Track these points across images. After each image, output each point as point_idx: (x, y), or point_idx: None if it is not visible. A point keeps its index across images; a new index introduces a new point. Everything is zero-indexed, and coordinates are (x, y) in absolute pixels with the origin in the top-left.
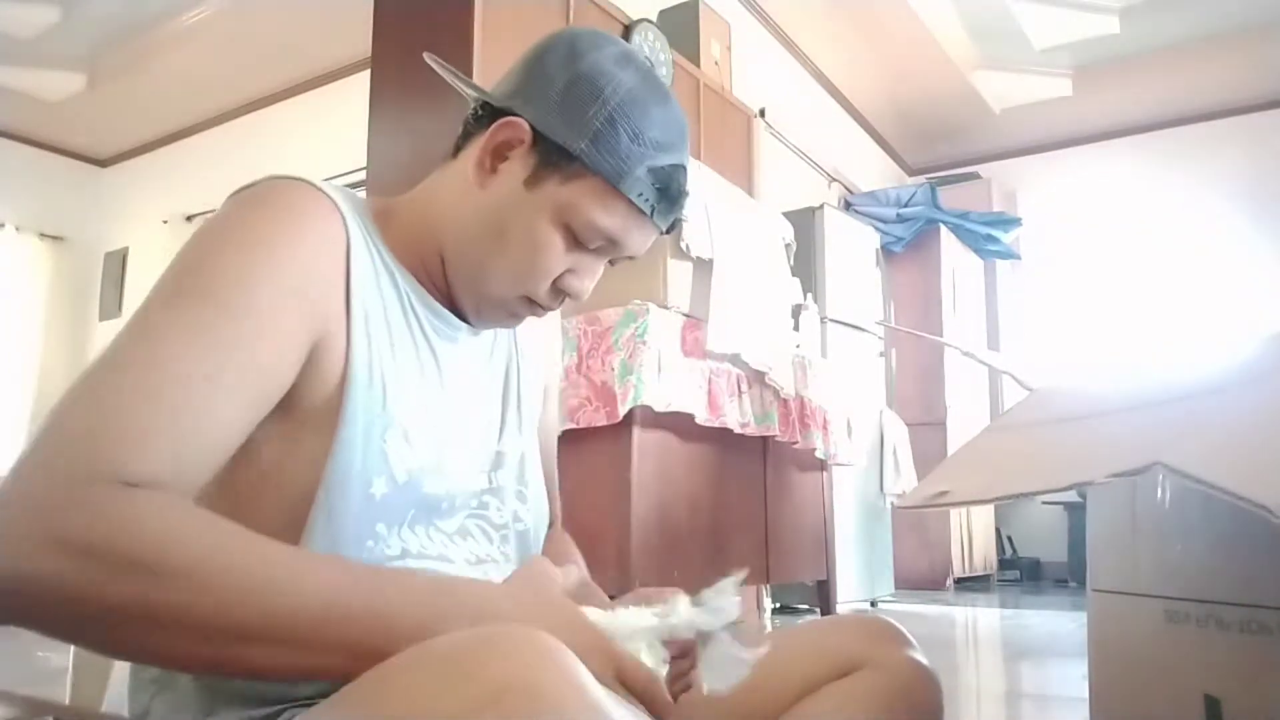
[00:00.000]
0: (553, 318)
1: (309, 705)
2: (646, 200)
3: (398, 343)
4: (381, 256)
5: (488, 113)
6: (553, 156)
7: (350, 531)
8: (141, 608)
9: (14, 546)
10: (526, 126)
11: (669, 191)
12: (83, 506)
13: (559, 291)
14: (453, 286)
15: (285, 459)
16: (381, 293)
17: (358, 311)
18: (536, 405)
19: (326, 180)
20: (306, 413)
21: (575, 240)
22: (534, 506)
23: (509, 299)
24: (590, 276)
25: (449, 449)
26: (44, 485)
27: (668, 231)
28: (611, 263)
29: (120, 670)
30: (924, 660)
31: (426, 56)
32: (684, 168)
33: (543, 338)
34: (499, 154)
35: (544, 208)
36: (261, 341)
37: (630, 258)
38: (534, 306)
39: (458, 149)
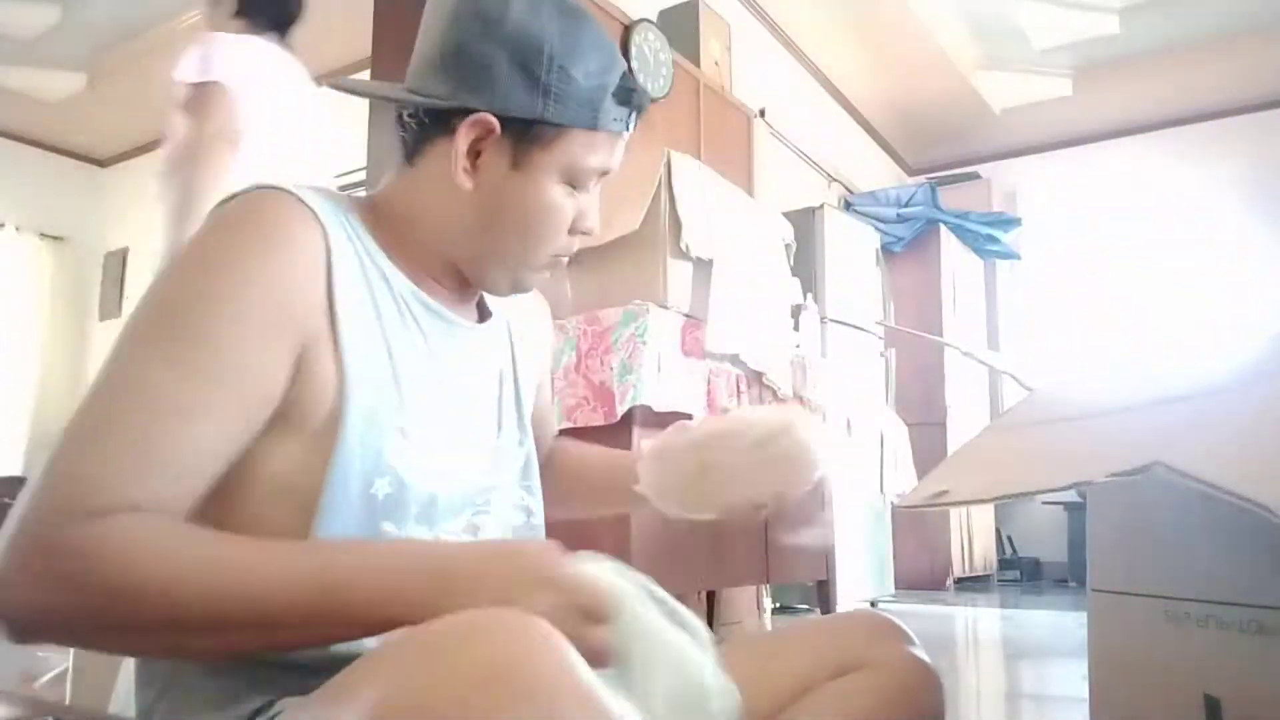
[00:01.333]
0: (544, 312)
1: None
2: (620, 121)
3: (395, 343)
4: (372, 258)
5: (432, 114)
6: (527, 132)
7: (355, 534)
8: (127, 620)
9: (18, 586)
10: (491, 118)
11: (632, 101)
12: (61, 545)
13: (575, 235)
14: (477, 280)
15: (288, 471)
16: (374, 295)
17: (344, 317)
18: (533, 400)
19: (327, 181)
20: (305, 424)
21: (574, 188)
22: (540, 499)
23: (542, 264)
24: (594, 211)
25: (452, 446)
26: (33, 528)
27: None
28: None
29: (128, 668)
30: (925, 657)
31: (331, 85)
32: (628, 72)
33: (538, 332)
34: (474, 152)
35: (539, 178)
36: (236, 368)
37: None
38: (558, 259)
39: (412, 153)
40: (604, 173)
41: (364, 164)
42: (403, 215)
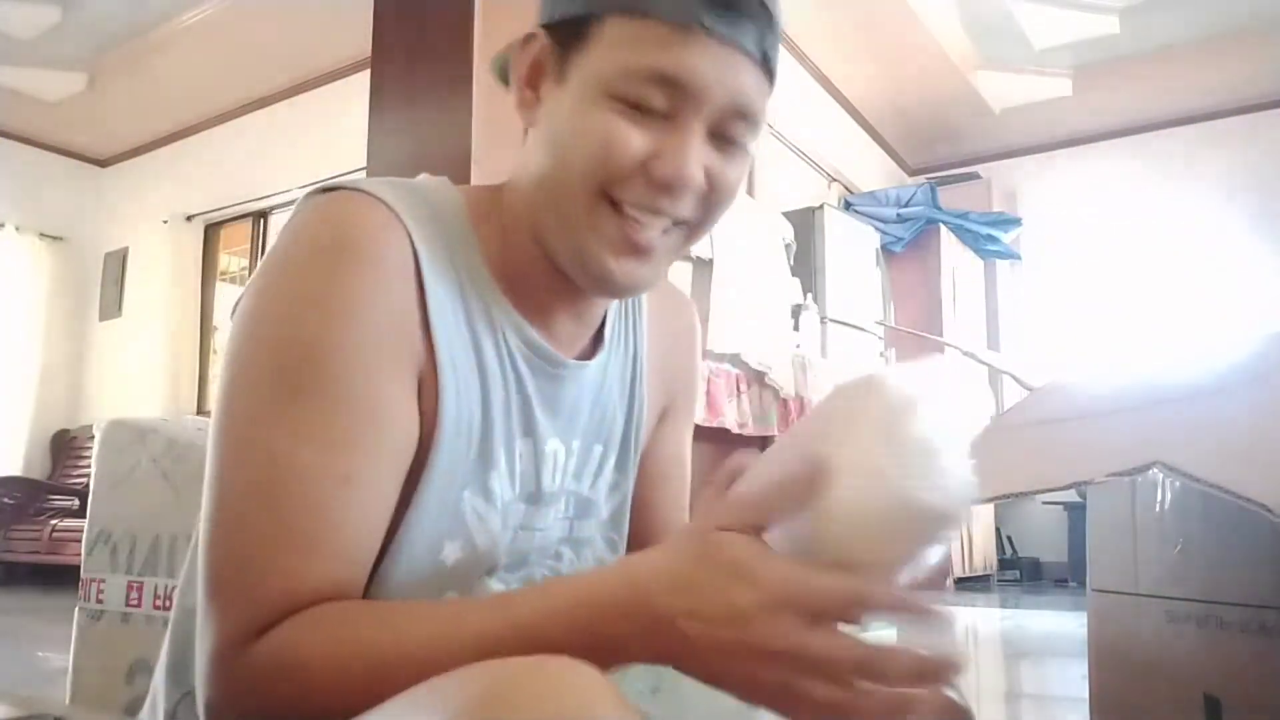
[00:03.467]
0: (687, 328)
1: None
2: (683, 6)
3: (490, 381)
4: (471, 276)
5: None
6: (567, 35)
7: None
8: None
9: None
10: (539, 31)
11: None
12: (257, 668)
13: (657, 187)
14: (561, 263)
15: None
16: (472, 323)
17: (443, 347)
18: (648, 434)
19: (323, 181)
20: None
21: (635, 107)
22: (622, 552)
23: (594, 214)
24: (684, 151)
25: (535, 500)
26: (223, 656)
27: (766, 61)
28: (730, 141)
29: (129, 668)
30: (958, 698)
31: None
32: None
33: (673, 350)
34: (534, 80)
35: (578, 91)
36: (376, 421)
37: (744, 119)
38: (636, 224)
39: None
40: (668, 82)
41: (363, 164)
42: (509, 204)
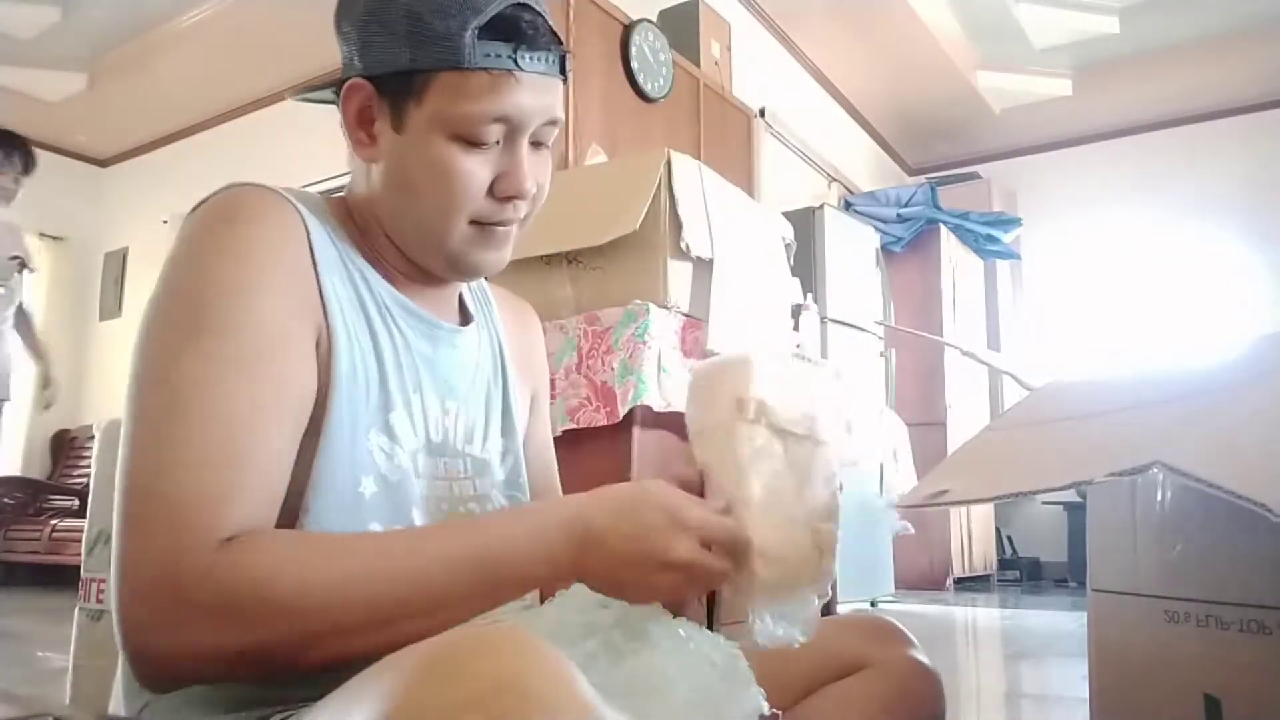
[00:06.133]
0: (534, 326)
1: (303, 708)
2: (500, 57)
3: (379, 337)
4: (350, 259)
5: (339, 95)
6: (396, 88)
7: (341, 531)
8: (292, 638)
9: (165, 631)
10: (362, 81)
11: (518, 32)
12: (202, 579)
13: (504, 200)
14: (422, 264)
15: None
16: (355, 287)
17: (333, 304)
18: (524, 412)
19: (324, 181)
20: None
21: (472, 143)
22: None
23: (463, 234)
24: (520, 171)
25: (436, 451)
26: (162, 569)
27: (564, 73)
28: (536, 145)
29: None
30: (925, 659)
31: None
32: (518, 3)
33: (528, 342)
34: (364, 123)
35: (420, 138)
36: (284, 355)
37: (553, 125)
38: (493, 228)
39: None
40: (501, 120)
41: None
42: (356, 210)
